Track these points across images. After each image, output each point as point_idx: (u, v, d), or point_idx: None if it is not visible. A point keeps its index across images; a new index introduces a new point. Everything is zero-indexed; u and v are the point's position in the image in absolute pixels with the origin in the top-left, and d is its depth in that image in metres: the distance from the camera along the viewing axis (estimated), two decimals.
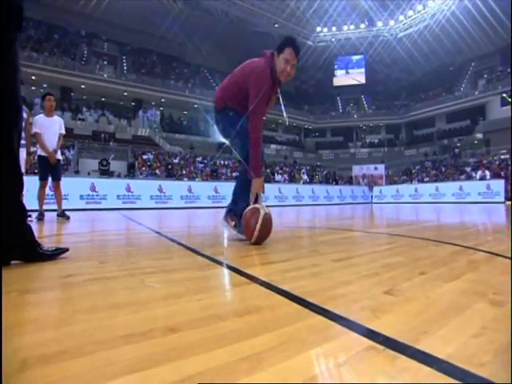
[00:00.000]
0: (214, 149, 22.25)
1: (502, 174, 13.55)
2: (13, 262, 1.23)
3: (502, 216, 5.25)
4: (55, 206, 4.46)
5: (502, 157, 16.91)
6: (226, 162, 19.49)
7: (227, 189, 12.00)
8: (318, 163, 25.71)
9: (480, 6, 20.23)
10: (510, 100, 11.94)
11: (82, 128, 19.55)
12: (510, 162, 15.09)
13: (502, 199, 11.63)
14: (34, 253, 1.27)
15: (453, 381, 0.46)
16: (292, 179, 17.17)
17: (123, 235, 2.64)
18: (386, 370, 0.49)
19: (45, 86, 20.19)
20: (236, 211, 2.00)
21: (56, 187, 4.46)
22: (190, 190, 10.90)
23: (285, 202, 13.70)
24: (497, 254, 1.40)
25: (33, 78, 19.27)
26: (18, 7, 1.09)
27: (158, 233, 2.65)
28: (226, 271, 1.16)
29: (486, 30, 21.40)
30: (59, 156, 4.46)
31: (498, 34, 21.43)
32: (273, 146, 27.05)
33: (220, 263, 1.30)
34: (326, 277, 1.06)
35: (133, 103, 24.36)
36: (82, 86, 21.33)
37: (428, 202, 13.65)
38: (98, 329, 0.63)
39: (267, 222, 1.69)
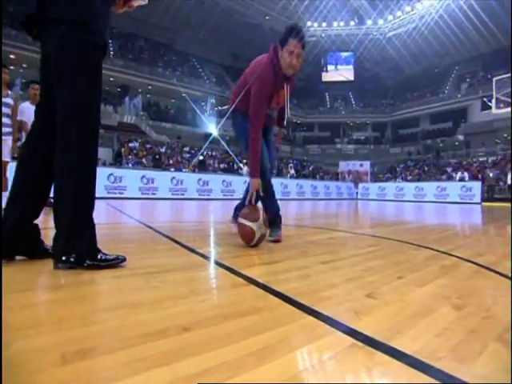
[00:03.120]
0: (201, 139, 22.08)
1: (479, 176, 14.22)
2: (17, 257, 1.29)
3: (477, 218, 5.59)
4: None
5: (481, 159, 17.68)
6: (214, 153, 19.45)
7: (215, 181, 12.05)
8: (305, 158, 25.99)
9: (467, 11, 20.75)
10: (490, 104, 12.45)
11: None
12: (486, 165, 15.78)
13: (479, 200, 12.29)
14: (39, 249, 1.33)
15: (416, 372, 0.58)
16: (279, 173, 17.33)
17: (117, 229, 2.68)
18: (365, 363, 0.61)
19: (24, 65, 19.31)
20: None
21: None
22: (177, 182, 10.87)
23: None
24: (465, 260, 1.57)
25: (11, 56, 18.40)
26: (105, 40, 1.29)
27: (150, 227, 2.71)
28: (223, 272, 1.26)
29: (471, 35, 22.00)
30: None
31: (481, 40, 22.09)
32: None
33: (217, 263, 1.39)
34: (315, 279, 1.18)
35: (119, 89, 23.73)
36: None
37: (410, 200, 14.14)
38: (119, 327, 0.72)
39: (265, 228, 1.78)
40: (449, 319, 0.85)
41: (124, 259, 1.28)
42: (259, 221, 1.71)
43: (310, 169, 21.82)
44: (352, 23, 27.84)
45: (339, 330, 0.75)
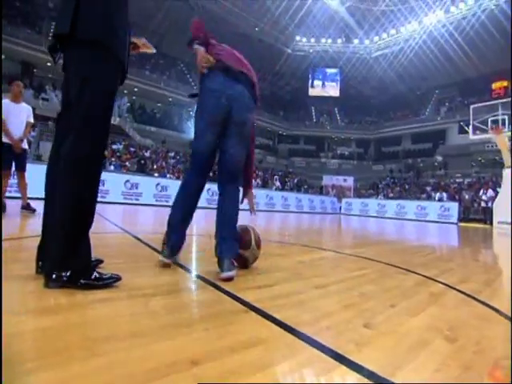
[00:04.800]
0: (187, 145, 21.90)
1: (457, 197, 14.88)
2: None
3: (456, 239, 5.84)
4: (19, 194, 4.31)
5: (458, 180, 18.55)
6: None
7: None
8: (291, 170, 26.28)
9: (447, 38, 22.03)
10: (466, 129, 13.18)
11: (45, 109, 18.28)
12: (463, 186, 16.50)
13: (456, 220, 12.88)
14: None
15: None
16: (265, 184, 17.41)
17: (102, 240, 2.60)
18: None
19: (3, 57, 18.65)
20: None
21: (20, 178, 4.28)
22: (162, 188, 10.71)
23: (257, 207, 13.92)
24: (451, 287, 1.64)
25: None
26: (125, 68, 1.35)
27: (138, 239, 2.66)
28: (220, 295, 1.25)
29: (451, 62, 23.26)
30: (25, 145, 4.30)
31: (460, 67, 23.40)
32: None
33: (213, 285, 1.38)
34: (312, 306, 1.20)
35: None
36: (48, 64, 19.92)
37: (392, 217, 14.47)
38: (123, 362, 0.71)
39: (258, 250, 1.75)
40: (444, 353, 0.88)
41: (119, 278, 1.25)
42: (251, 246, 1.69)
43: (295, 181, 22.09)
44: (339, 41, 28.78)
45: (343, 365, 0.77)
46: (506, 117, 11.45)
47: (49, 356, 0.71)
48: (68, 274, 1.14)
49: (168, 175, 13.98)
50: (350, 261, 2.33)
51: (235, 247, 1.57)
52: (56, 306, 1.02)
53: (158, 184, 10.68)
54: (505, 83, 12.21)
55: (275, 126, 30.92)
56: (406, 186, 19.70)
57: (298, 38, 28.64)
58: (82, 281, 1.16)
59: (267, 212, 12.67)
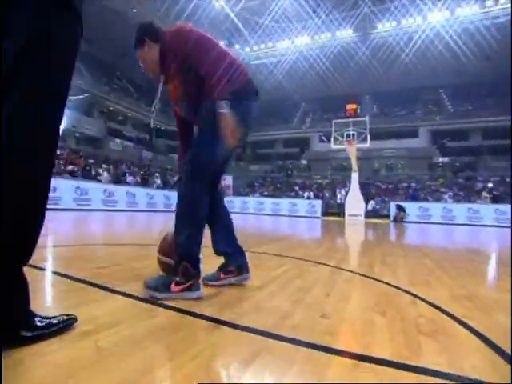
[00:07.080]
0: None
1: (320, 195, 18.05)
2: None
3: (326, 231, 7.05)
4: None
5: (319, 181, 22.47)
6: (59, 152, 16.19)
7: (64, 188, 9.99)
8: (169, 167, 25.25)
9: (315, 58, 26.29)
10: (323, 139, 16.28)
11: None
12: (323, 186, 19.89)
13: (320, 215, 15.71)
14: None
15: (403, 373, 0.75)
16: (145, 182, 16.13)
17: None
18: (381, 378, 0.73)
19: None
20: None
21: None
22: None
23: (137, 207, 12.83)
24: (353, 272, 2.01)
25: None
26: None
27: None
28: (177, 316, 1.13)
29: (317, 79, 27.79)
30: None
31: (324, 85, 28.21)
32: (118, 141, 24.32)
33: (159, 305, 1.22)
34: (269, 308, 1.24)
35: None
36: None
37: (269, 214, 16.43)
38: None
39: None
40: (385, 325, 1.10)
41: (74, 319, 0.97)
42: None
43: (175, 179, 21.39)
44: (222, 43, 29.64)
45: (338, 355, 0.86)
46: (356, 132, 14.88)
47: None
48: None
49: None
50: (265, 259, 2.50)
51: None
52: None
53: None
54: (354, 106, 15.95)
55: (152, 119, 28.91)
56: (279, 185, 22.26)
57: None
58: (23, 333, 0.83)
59: (148, 212, 11.83)
